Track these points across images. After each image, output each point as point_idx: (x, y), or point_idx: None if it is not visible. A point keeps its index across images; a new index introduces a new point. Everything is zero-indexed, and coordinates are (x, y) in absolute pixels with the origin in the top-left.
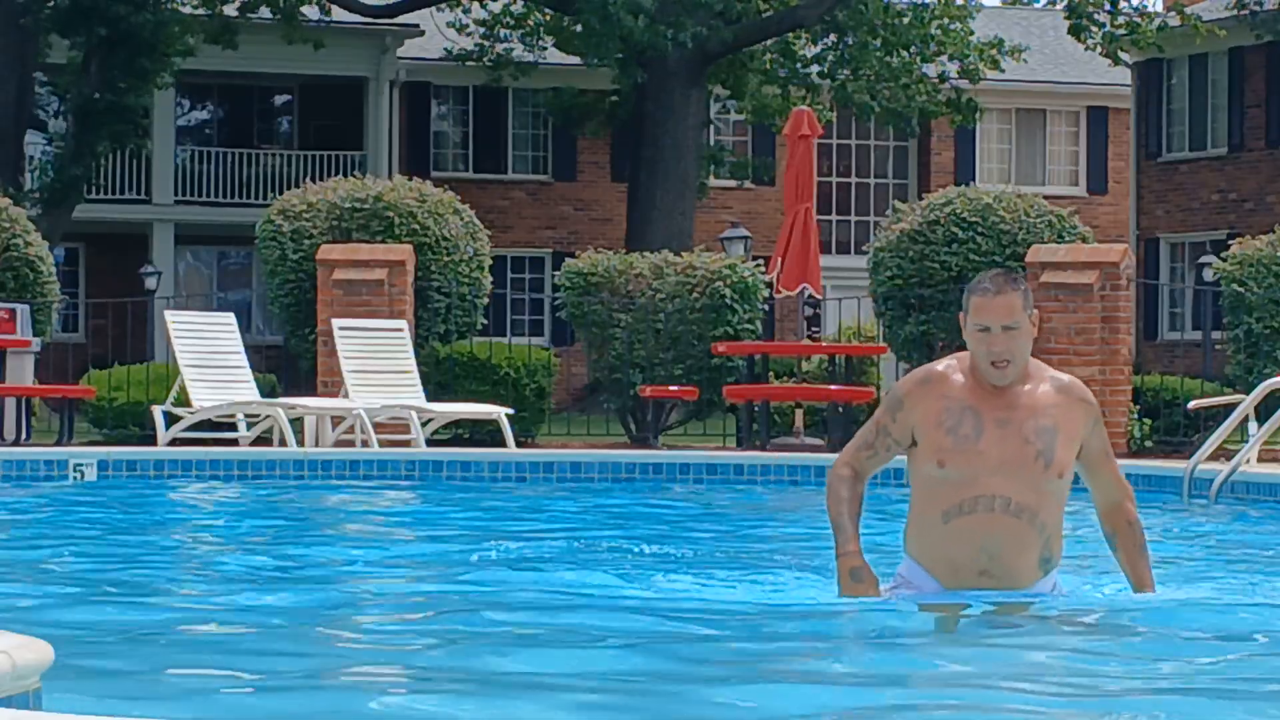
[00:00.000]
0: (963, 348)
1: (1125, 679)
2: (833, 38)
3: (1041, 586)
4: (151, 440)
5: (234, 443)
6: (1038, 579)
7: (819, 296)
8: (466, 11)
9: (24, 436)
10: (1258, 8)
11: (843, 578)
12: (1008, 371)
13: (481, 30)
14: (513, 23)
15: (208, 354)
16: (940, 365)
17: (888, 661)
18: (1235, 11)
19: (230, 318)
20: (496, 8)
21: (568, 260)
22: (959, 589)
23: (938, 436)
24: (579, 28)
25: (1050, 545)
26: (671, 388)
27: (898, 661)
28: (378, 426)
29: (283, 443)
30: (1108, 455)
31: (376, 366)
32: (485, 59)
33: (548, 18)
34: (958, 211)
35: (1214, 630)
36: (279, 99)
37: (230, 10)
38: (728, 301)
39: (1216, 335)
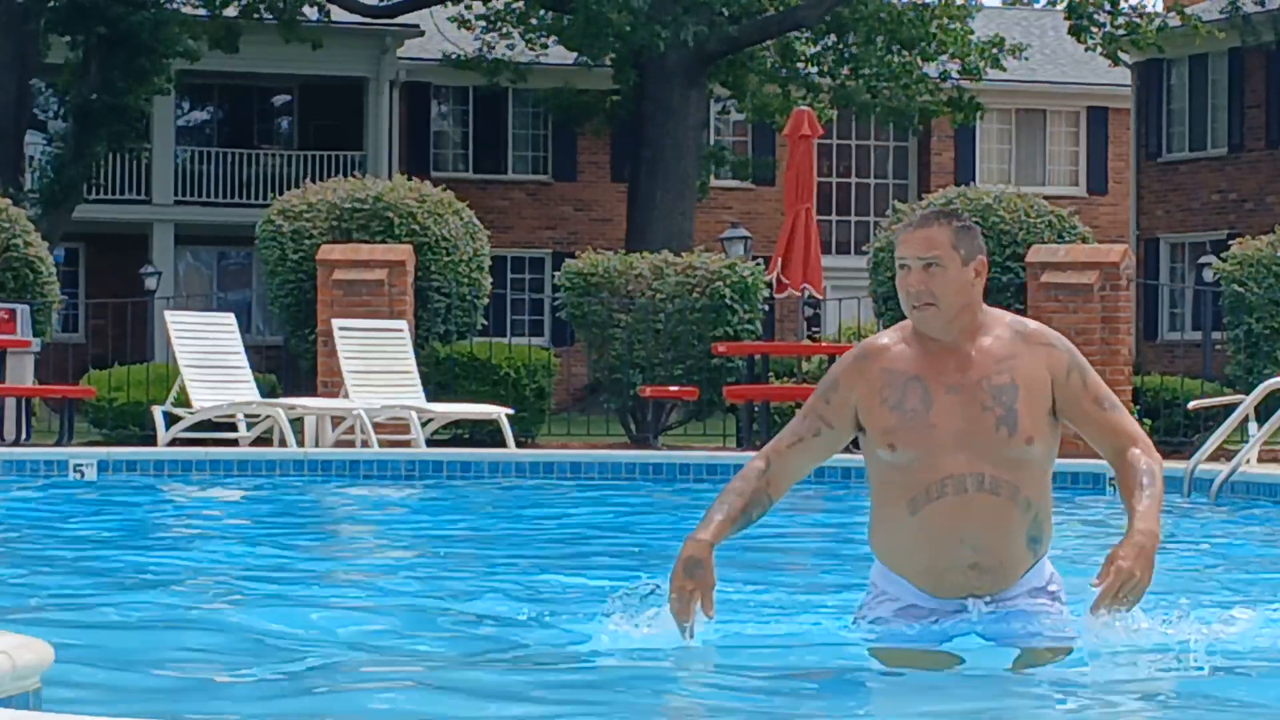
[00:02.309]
0: None
1: None
2: (833, 37)
3: (1035, 577)
4: (151, 440)
5: (234, 443)
6: (1030, 563)
7: (820, 297)
8: (468, 8)
9: (24, 437)
10: (1258, 8)
11: (675, 567)
12: (928, 316)
13: (483, 25)
14: (515, 19)
15: (208, 354)
16: (882, 337)
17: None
18: (1227, 14)
19: (230, 318)
20: (498, 4)
21: (568, 260)
22: (947, 593)
23: (882, 415)
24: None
25: (1040, 523)
26: (671, 388)
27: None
28: (378, 427)
29: (283, 443)
30: (1099, 403)
31: (376, 367)
32: (483, 64)
33: (549, 17)
34: (958, 212)
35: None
36: (279, 99)
37: (230, 12)
38: (728, 302)
39: (1216, 335)
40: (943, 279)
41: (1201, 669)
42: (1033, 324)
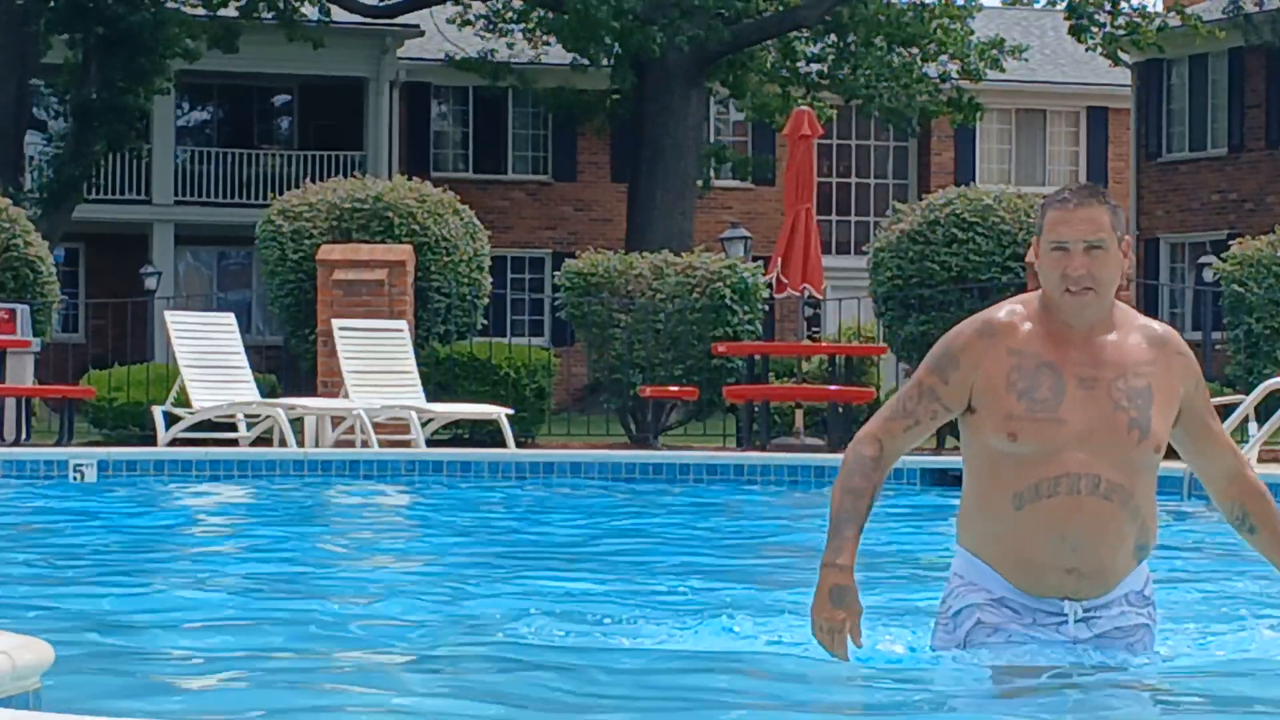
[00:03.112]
0: None
1: None
2: (833, 37)
3: (1133, 580)
4: (151, 440)
5: (234, 443)
6: (1132, 569)
7: (820, 297)
8: (467, 7)
9: (24, 437)
10: (1256, 8)
11: (820, 597)
12: (1087, 302)
13: (484, 23)
14: (515, 17)
15: (208, 354)
16: (1000, 312)
17: None
18: (1228, 14)
19: (230, 318)
20: (498, 3)
21: (568, 260)
22: (1041, 592)
23: (1007, 402)
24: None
25: (1146, 531)
26: (671, 388)
27: None
28: (377, 427)
29: (283, 443)
30: (1213, 416)
31: (376, 367)
32: (484, 64)
33: (548, 16)
34: (958, 212)
35: None
36: (279, 99)
37: (230, 11)
38: (728, 302)
39: (1216, 335)
40: (1104, 262)
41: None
42: (1160, 326)
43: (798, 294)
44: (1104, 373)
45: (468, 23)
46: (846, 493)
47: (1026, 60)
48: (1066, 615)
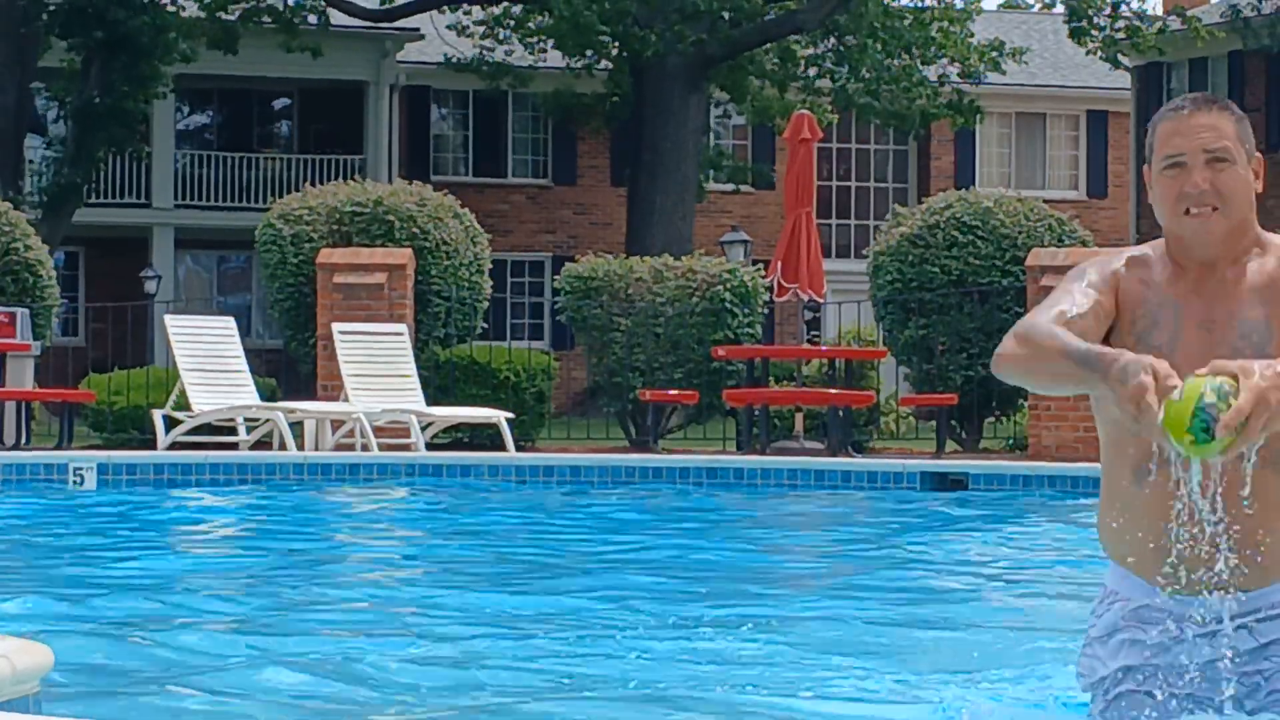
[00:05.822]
0: (967, 352)
1: None
2: (833, 40)
3: None
4: (151, 444)
5: (234, 446)
6: None
7: (820, 300)
8: (466, 13)
9: (24, 440)
10: (1253, 13)
11: (1120, 373)
12: (1212, 225)
13: (482, 30)
14: (513, 23)
15: (208, 358)
16: (1134, 250)
17: None
18: (1227, 17)
19: (230, 321)
20: (496, 10)
21: (567, 264)
22: (1186, 589)
23: (1125, 344)
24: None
25: None
26: (671, 391)
27: None
28: (377, 430)
29: (283, 446)
30: None
31: (376, 370)
32: (483, 67)
33: (547, 20)
34: (958, 215)
35: None
36: (279, 103)
37: (230, 16)
38: (727, 305)
39: None
40: (1231, 176)
41: None
42: None
43: (798, 298)
44: (1221, 308)
45: (465, 29)
46: (1047, 335)
47: (1026, 63)
48: (1222, 621)
